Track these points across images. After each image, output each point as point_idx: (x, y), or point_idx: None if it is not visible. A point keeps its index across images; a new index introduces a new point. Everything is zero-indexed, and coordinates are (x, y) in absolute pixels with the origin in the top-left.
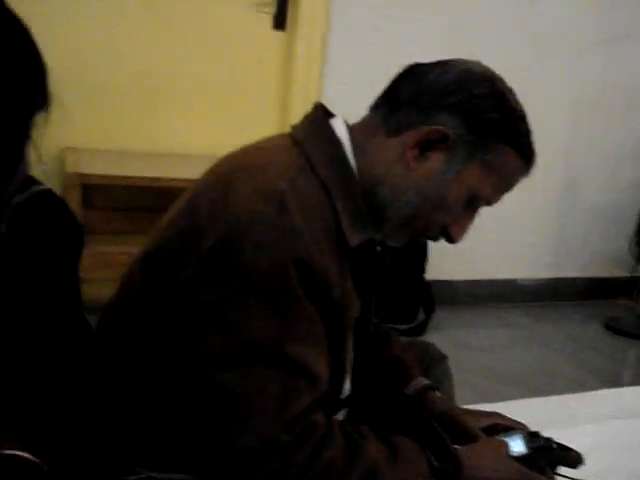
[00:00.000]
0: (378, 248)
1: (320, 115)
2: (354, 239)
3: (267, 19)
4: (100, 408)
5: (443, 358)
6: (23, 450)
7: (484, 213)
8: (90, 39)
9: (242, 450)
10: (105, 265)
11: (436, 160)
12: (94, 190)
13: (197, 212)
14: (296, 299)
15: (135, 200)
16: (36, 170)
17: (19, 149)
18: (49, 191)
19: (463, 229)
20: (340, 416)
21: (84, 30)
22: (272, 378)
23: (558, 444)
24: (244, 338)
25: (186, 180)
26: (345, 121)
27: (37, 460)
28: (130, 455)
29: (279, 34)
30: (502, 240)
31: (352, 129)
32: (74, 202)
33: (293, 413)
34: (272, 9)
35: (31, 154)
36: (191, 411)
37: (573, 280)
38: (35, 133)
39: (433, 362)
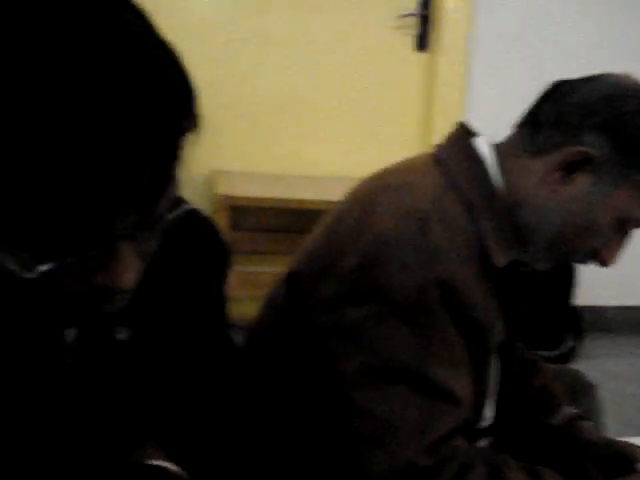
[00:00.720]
0: (524, 270)
1: (462, 134)
2: (500, 259)
3: (409, 40)
4: (244, 424)
5: (593, 388)
6: (168, 461)
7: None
8: (236, 64)
9: (380, 473)
10: (250, 284)
11: (582, 183)
12: (241, 211)
13: (339, 232)
14: (439, 321)
15: (281, 221)
16: (187, 192)
17: (168, 171)
18: (198, 210)
19: (614, 252)
20: (482, 444)
21: (230, 56)
22: (413, 400)
23: None
24: (386, 359)
25: (330, 202)
26: (489, 140)
27: (181, 471)
28: (271, 470)
29: (421, 55)
30: None
31: (496, 148)
32: (222, 223)
33: (434, 437)
34: (414, 30)
35: (181, 176)
36: (330, 431)
37: None
38: (185, 155)
39: (582, 392)
